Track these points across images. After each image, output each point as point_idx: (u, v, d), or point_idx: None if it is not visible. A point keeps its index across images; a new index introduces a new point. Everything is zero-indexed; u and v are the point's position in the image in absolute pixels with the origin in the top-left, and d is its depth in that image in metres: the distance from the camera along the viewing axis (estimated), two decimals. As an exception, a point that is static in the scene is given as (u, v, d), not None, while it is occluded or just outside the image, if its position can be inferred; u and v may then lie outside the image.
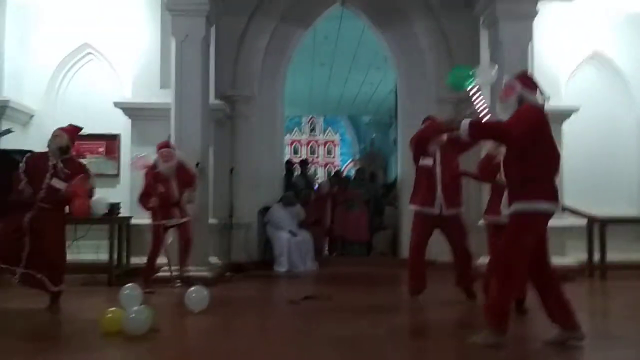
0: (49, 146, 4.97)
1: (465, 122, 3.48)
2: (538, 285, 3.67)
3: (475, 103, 4.80)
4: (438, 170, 5.17)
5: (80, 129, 5.25)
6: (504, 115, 3.61)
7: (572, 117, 7.59)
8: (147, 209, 6.05)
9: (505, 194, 3.68)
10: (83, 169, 5.09)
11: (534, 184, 3.48)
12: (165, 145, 6.21)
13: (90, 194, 5.11)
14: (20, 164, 4.89)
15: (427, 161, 5.20)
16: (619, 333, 4.13)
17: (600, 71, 8.16)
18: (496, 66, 5.07)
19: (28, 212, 4.78)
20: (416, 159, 5.27)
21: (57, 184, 4.82)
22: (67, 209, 5.00)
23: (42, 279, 4.80)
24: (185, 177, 6.14)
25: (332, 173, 13.58)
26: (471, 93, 4.81)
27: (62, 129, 5.08)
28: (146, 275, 5.91)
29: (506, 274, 3.50)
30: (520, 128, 3.41)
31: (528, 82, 3.70)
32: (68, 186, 4.85)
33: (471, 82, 4.69)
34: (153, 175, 5.97)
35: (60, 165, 4.89)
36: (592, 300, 5.52)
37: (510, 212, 3.56)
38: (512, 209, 3.54)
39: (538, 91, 3.70)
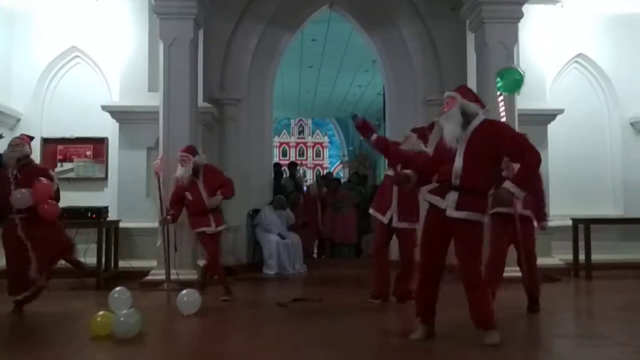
0: (4, 156, 5.04)
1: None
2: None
3: (501, 108, 4.94)
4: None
5: (32, 137, 5.43)
6: (448, 125, 3.75)
7: (557, 118, 7.69)
8: (166, 220, 5.91)
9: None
10: (44, 173, 5.13)
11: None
12: (185, 149, 5.89)
13: (54, 196, 5.10)
14: None
15: (390, 172, 5.34)
16: (603, 332, 4.20)
17: (585, 73, 8.28)
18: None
19: (16, 228, 4.87)
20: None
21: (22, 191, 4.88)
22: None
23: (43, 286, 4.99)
24: (210, 181, 5.76)
25: (320, 175, 13.59)
26: (500, 99, 4.96)
27: (21, 138, 5.19)
28: (223, 282, 5.73)
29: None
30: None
31: (468, 94, 3.90)
32: (29, 194, 4.87)
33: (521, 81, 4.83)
34: (179, 184, 5.76)
35: (16, 174, 4.95)
36: (577, 299, 5.60)
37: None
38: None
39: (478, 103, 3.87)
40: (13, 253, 4.92)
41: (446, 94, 3.94)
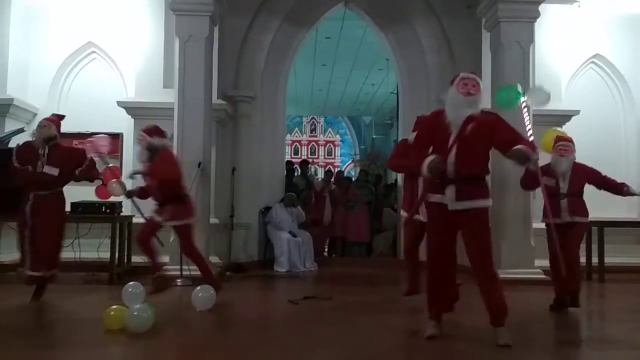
0: (33, 136, 5.18)
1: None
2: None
3: (525, 122, 4.90)
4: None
5: (63, 116, 5.48)
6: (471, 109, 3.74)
7: (573, 120, 7.63)
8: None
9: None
10: (71, 151, 5.38)
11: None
12: (145, 128, 5.37)
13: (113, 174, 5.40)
14: (13, 158, 5.10)
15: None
16: (616, 336, 4.17)
17: (601, 74, 8.21)
18: (547, 90, 5.16)
19: (27, 203, 4.99)
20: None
21: (50, 170, 5.03)
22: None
23: (43, 275, 5.00)
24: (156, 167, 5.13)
25: (326, 170, 13.57)
26: (522, 111, 4.92)
27: (48, 119, 5.32)
28: (208, 280, 5.26)
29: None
30: None
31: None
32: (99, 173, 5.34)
33: (518, 100, 4.83)
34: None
35: (47, 152, 5.09)
36: (589, 302, 5.54)
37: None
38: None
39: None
40: (19, 227, 5.06)
41: (470, 75, 3.83)
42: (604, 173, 5.23)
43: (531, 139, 4.86)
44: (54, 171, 5.04)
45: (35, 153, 5.08)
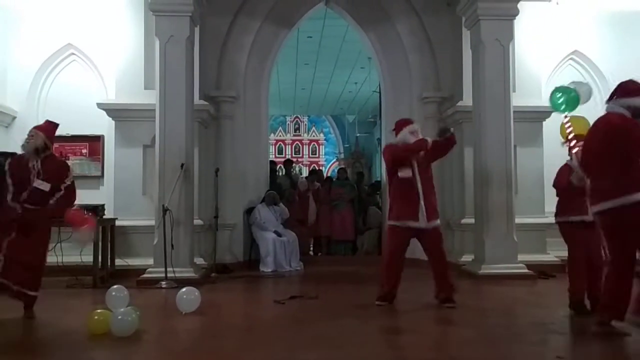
0: (23, 147, 4.86)
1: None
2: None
3: (567, 128, 4.88)
4: (418, 181, 5.07)
5: (56, 124, 5.10)
6: None
7: (552, 115, 7.71)
8: None
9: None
10: (63, 167, 5.02)
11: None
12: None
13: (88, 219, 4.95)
14: (6, 170, 4.79)
15: (405, 173, 5.09)
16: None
17: (580, 70, 8.31)
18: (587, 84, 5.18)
19: (12, 212, 4.69)
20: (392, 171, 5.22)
21: (41, 185, 4.74)
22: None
23: (19, 290, 4.63)
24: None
25: (309, 170, 13.56)
26: (565, 120, 4.89)
27: (37, 127, 4.98)
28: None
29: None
30: None
31: None
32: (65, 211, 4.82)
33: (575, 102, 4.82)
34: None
35: (38, 166, 4.78)
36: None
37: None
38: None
39: None
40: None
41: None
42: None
43: (574, 148, 4.72)
44: (45, 186, 4.75)
45: (26, 166, 4.77)
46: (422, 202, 5.03)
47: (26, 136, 4.92)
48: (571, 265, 4.74)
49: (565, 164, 4.95)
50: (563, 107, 4.91)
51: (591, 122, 4.32)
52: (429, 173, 5.23)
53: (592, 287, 4.56)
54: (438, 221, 5.20)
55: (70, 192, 4.96)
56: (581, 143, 4.42)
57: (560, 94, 4.92)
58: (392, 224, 5.16)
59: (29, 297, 4.68)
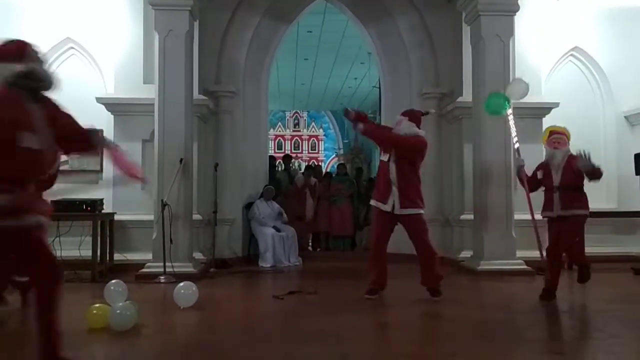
0: None
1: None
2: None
3: (511, 127, 5.22)
4: (392, 167, 5.05)
5: None
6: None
7: (552, 112, 7.72)
8: None
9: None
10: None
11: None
12: None
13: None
14: None
15: (385, 157, 5.17)
16: (595, 324, 4.24)
17: (580, 67, 8.30)
18: (525, 81, 5.54)
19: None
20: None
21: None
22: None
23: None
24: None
25: (305, 165, 13.51)
26: (509, 117, 5.27)
27: None
28: None
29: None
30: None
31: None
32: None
33: (508, 106, 5.14)
34: None
35: None
36: (569, 292, 5.62)
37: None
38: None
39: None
40: None
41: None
42: None
43: (516, 146, 5.22)
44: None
45: None
46: (394, 188, 5.01)
47: None
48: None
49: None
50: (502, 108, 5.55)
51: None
52: (411, 164, 5.10)
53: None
54: (417, 210, 5.06)
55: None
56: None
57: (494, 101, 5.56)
58: (372, 204, 5.29)
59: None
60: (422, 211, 5.10)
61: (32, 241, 2.76)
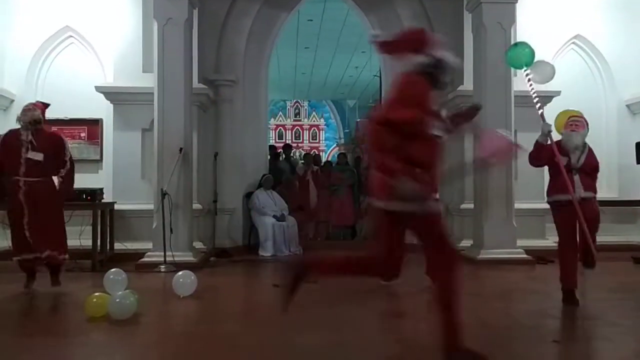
0: (20, 120, 5.13)
1: None
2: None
3: (531, 91, 4.97)
4: None
5: (47, 104, 5.45)
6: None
7: (554, 100, 7.67)
8: None
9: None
10: (57, 138, 5.31)
11: None
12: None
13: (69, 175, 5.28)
14: None
15: None
16: (595, 313, 4.24)
17: (582, 55, 8.25)
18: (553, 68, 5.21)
19: (19, 191, 4.96)
20: None
21: (35, 155, 5.02)
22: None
23: (49, 254, 5.03)
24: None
25: (304, 154, 13.49)
26: (527, 80, 5.02)
27: (33, 103, 5.30)
28: None
29: None
30: None
31: None
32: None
33: (526, 68, 4.92)
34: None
35: (30, 137, 5.06)
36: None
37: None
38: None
39: None
40: (13, 214, 5.04)
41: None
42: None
43: (540, 111, 4.87)
44: (39, 156, 5.03)
45: (19, 139, 5.05)
46: None
47: (21, 111, 5.20)
48: (558, 251, 4.70)
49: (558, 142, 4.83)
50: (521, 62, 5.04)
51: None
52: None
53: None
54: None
55: (73, 165, 5.32)
56: None
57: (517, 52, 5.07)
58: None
59: (58, 260, 5.10)
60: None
61: (438, 229, 2.87)
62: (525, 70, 5.07)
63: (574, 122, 4.81)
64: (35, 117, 5.09)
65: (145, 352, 3.33)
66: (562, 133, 4.83)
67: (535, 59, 5.09)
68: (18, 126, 5.16)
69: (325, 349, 3.25)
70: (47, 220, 5.05)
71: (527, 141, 6.51)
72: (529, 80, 5.04)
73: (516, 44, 5.28)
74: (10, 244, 5.31)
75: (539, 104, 4.98)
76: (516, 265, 6.43)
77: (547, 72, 5.21)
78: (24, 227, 4.97)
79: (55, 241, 5.10)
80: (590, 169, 4.75)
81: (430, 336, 3.64)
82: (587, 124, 4.87)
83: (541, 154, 4.71)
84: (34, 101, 5.54)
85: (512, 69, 5.59)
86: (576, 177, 4.62)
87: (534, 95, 5.00)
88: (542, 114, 4.92)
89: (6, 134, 5.24)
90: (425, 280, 5.12)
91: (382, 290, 4.98)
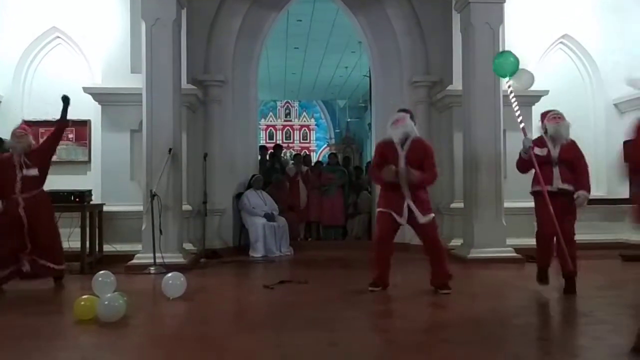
0: (13, 148, 5.37)
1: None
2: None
3: (512, 101, 5.11)
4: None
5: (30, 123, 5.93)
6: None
7: (542, 100, 7.71)
8: None
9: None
10: (42, 149, 5.56)
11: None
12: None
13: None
14: None
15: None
16: (584, 310, 4.27)
17: (570, 54, 8.31)
18: (532, 76, 5.47)
19: (18, 207, 5.18)
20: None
21: (30, 172, 5.32)
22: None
23: (46, 264, 5.31)
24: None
25: (294, 154, 13.49)
26: (509, 91, 5.27)
27: (23, 128, 5.55)
28: None
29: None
30: None
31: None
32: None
33: (509, 78, 5.06)
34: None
35: (23, 159, 5.33)
36: (559, 279, 5.64)
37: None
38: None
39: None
40: (5, 228, 5.16)
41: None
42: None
43: (522, 125, 5.08)
44: (34, 172, 5.33)
45: (11, 162, 5.30)
46: (408, 198, 4.84)
47: (12, 136, 5.40)
48: (535, 235, 5.07)
49: (539, 137, 5.12)
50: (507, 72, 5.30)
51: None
52: (420, 169, 4.90)
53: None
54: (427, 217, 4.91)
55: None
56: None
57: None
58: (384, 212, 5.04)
59: (56, 271, 5.39)
60: (432, 215, 4.95)
61: None
62: (507, 81, 5.24)
63: (556, 115, 5.02)
64: (30, 143, 5.40)
65: (135, 355, 3.31)
66: (546, 126, 5.03)
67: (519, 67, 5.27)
68: (9, 147, 5.43)
69: (318, 350, 3.24)
70: (44, 234, 5.30)
71: (516, 141, 6.60)
72: (510, 91, 5.22)
73: (502, 53, 5.51)
74: None
75: (520, 118, 5.17)
76: (506, 263, 6.46)
77: (526, 79, 5.39)
78: (23, 240, 5.19)
79: (51, 253, 5.35)
80: (568, 161, 4.92)
81: (423, 335, 3.65)
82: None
83: (525, 166, 5.08)
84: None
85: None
86: (555, 169, 4.89)
87: (516, 109, 5.18)
88: (523, 128, 5.18)
89: None
90: (418, 281, 5.15)
91: (374, 292, 4.98)
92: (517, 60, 5.29)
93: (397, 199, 4.87)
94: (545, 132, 5.03)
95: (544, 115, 5.17)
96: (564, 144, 4.95)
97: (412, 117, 5.02)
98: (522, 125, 5.18)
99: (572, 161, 4.93)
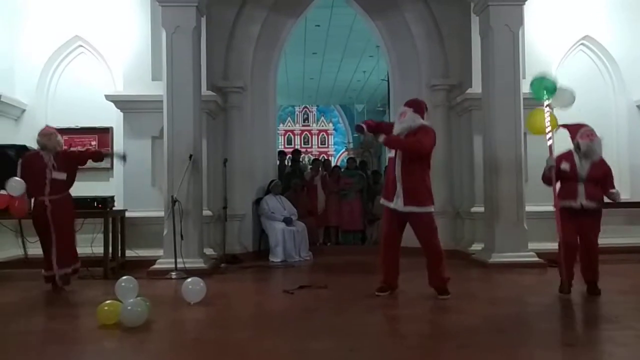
0: (45, 145, 5.48)
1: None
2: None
3: (546, 121, 5.15)
4: (398, 163, 4.90)
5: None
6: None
7: (563, 103, 7.61)
8: None
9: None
10: (71, 156, 5.81)
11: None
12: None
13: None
14: (18, 167, 5.48)
15: (391, 153, 5.03)
16: (608, 316, 4.20)
17: (591, 56, 8.20)
18: (574, 94, 5.32)
19: (46, 210, 5.37)
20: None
21: (58, 175, 5.49)
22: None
23: (66, 273, 5.53)
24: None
25: (312, 159, 13.49)
26: (546, 110, 5.19)
27: (50, 127, 5.75)
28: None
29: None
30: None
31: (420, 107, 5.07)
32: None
33: (548, 98, 5.13)
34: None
35: (52, 160, 5.49)
36: (582, 283, 5.57)
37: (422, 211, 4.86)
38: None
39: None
40: (42, 232, 5.44)
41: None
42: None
43: (549, 142, 5.12)
44: (63, 176, 5.53)
45: (42, 162, 5.44)
46: (398, 185, 4.86)
47: (42, 136, 5.52)
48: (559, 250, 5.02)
49: (569, 151, 5.09)
50: (545, 94, 5.21)
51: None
52: (419, 160, 4.91)
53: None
54: (421, 208, 4.85)
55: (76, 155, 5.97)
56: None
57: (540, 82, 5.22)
58: (381, 202, 5.17)
59: (74, 270, 5.65)
60: (429, 209, 4.88)
61: None
62: (546, 100, 5.19)
63: (587, 131, 4.98)
64: (60, 142, 5.57)
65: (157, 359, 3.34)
66: (579, 143, 4.96)
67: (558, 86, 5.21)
68: (39, 146, 5.53)
69: (337, 356, 3.24)
70: (68, 234, 5.55)
71: (537, 143, 6.54)
72: (547, 109, 5.17)
73: (541, 78, 5.28)
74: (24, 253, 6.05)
75: (550, 137, 5.15)
76: (528, 268, 6.39)
77: (567, 98, 5.28)
78: (52, 245, 5.40)
79: (70, 255, 5.56)
80: (598, 179, 4.93)
81: (442, 341, 3.63)
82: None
83: (550, 181, 5.09)
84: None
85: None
86: (581, 186, 4.89)
87: (547, 130, 5.10)
88: (550, 147, 5.16)
89: (25, 157, 5.59)
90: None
91: (392, 295, 4.97)
92: (554, 84, 5.17)
93: (391, 187, 4.94)
94: (578, 148, 4.96)
95: (574, 130, 5.07)
96: (595, 161, 4.91)
97: (418, 109, 5.04)
98: (549, 142, 5.15)
99: (600, 180, 4.93)
